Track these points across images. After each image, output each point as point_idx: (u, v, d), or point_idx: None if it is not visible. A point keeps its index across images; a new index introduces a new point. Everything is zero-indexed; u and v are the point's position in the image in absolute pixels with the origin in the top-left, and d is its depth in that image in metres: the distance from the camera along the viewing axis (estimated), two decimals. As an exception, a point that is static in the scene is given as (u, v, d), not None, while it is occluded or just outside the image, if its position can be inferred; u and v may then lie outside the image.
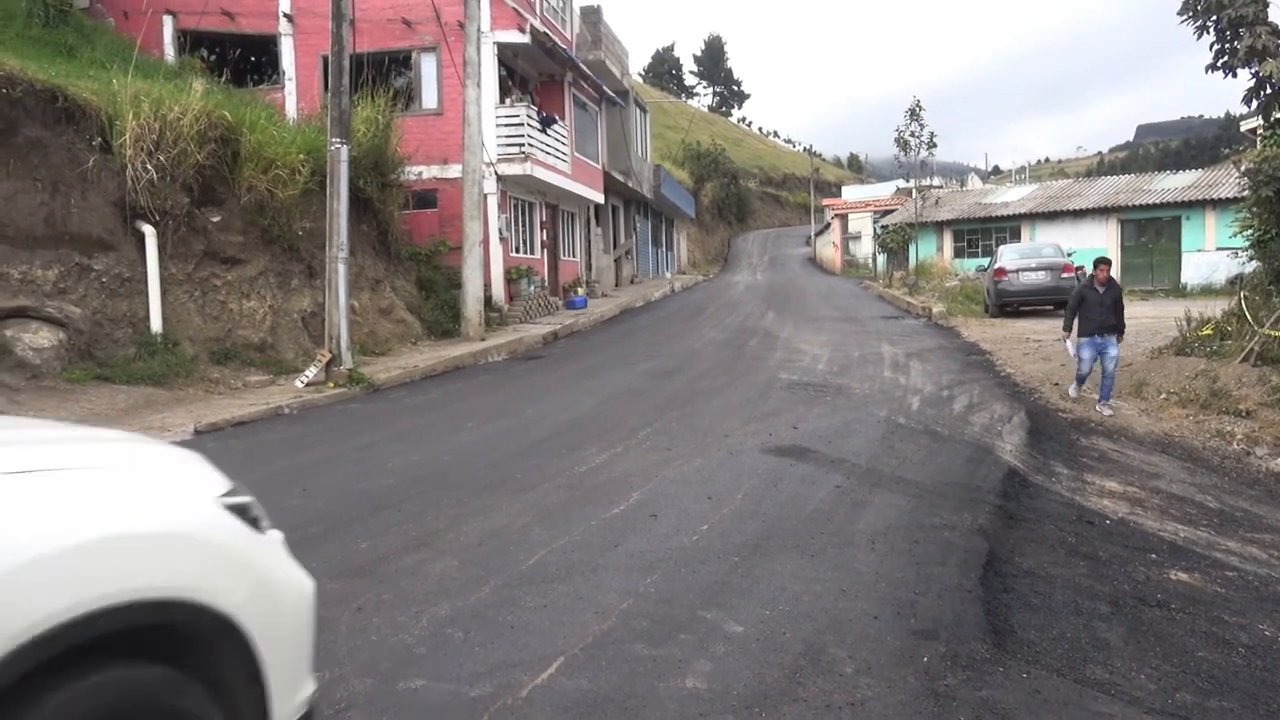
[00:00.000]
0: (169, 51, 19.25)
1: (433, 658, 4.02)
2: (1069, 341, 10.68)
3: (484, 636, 4.24)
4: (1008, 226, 35.01)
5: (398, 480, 7.12)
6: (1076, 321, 10.52)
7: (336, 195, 11.72)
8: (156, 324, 10.93)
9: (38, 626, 1.55)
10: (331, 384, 11.22)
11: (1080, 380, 10.81)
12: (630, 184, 30.97)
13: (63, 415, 8.75)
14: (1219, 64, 10.77)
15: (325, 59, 14.82)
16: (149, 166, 10.89)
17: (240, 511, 2.25)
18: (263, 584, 2.17)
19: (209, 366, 11.34)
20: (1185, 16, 10.82)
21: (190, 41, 19.46)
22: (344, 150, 11.84)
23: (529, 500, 6.56)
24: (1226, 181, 29.04)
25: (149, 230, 10.95)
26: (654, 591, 4.81)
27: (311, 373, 11.26)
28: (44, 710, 1.59)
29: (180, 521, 2.00)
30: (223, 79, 16.06)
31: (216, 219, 12.09)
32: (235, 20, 19.78)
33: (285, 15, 19.72)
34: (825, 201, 56.63)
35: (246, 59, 20.78)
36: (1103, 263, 10.81)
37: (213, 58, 19.87)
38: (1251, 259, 12.81)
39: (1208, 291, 25.36)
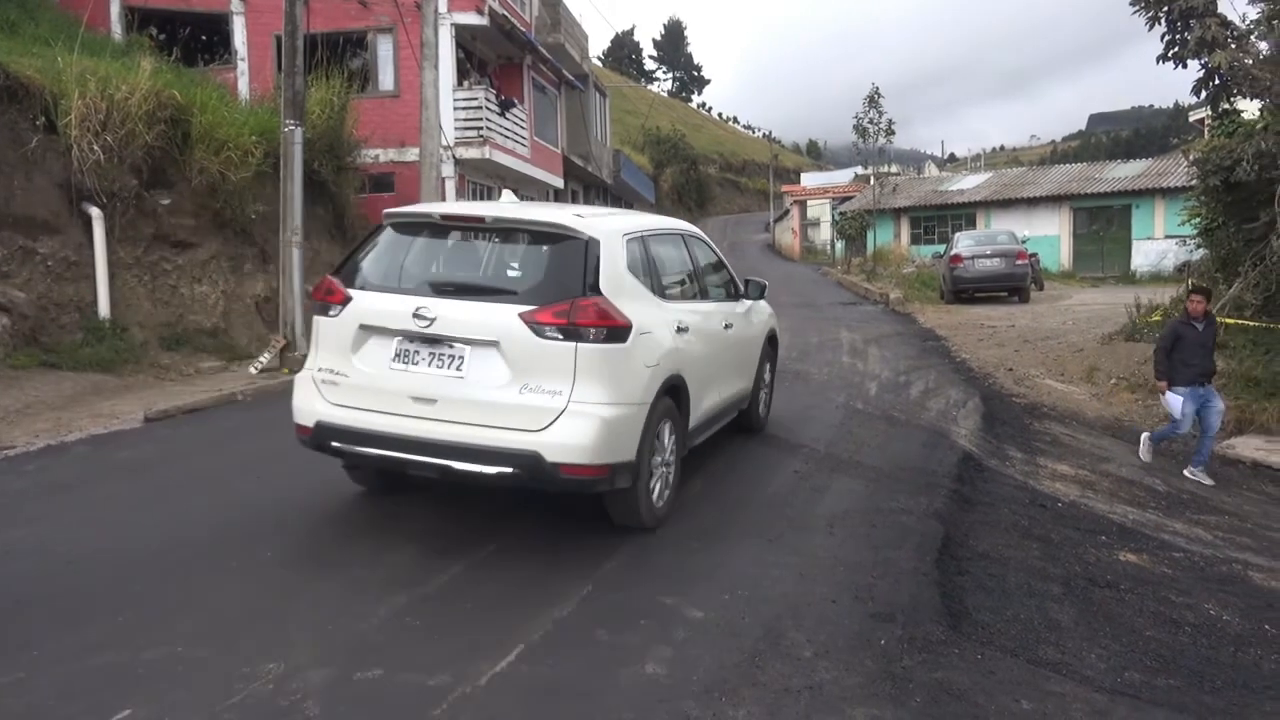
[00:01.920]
0: (116, 29, 18.74)
1: (390, 646, 3.98)
2: (1169, 394, 8.27)
3: (442, 624, 4.21)
4: (963, 214, 35.45)
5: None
6: (1171, 367, 8.28)
7: (290, 178, 11.52)
8: (105, 309, 10.68)
9: (768, 326, 8.22)
10: (286, 370, 11.05)
11: (1167, 436, 8.48)
12: (590, 169, 30.83)
13: (6, 403, 8.53)
14: (1169, 55, 10.95)
15: (278, 39, 14.51)
16: (95, 147, 10.61)
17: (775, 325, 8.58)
18: (775, 323, 8.54)
19: (159, 353, 11.11)
20: (1137, 7, 10.98)
21: (138, 19, 18.94)
22: (298, 132, 11.63)
23: (489, 492, 6.51)
24: (1175, 171, 29.62)
25: (96, 213, 10.67)
26: (613, 576, 4.81)
27: (265, 359, 11.08)
28: (765, 365, 8.20)
29: (771, 316, 8.40)
30: (172, 58, 15.62)
31: (166, 202, 11.82)
32: (185, -3, 19.34)
33: (237, -7, 19.32)
34: (784, 188, 56.86)
35: (197, 38, 20.30)
36: (1198, 293, 8.50)
37: (162, 36, 19.31)
38: (1199, 247, 13.11)
39: (1157, 278, 25.92)
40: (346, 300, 5.28)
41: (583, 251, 5.11)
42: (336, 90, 15.62)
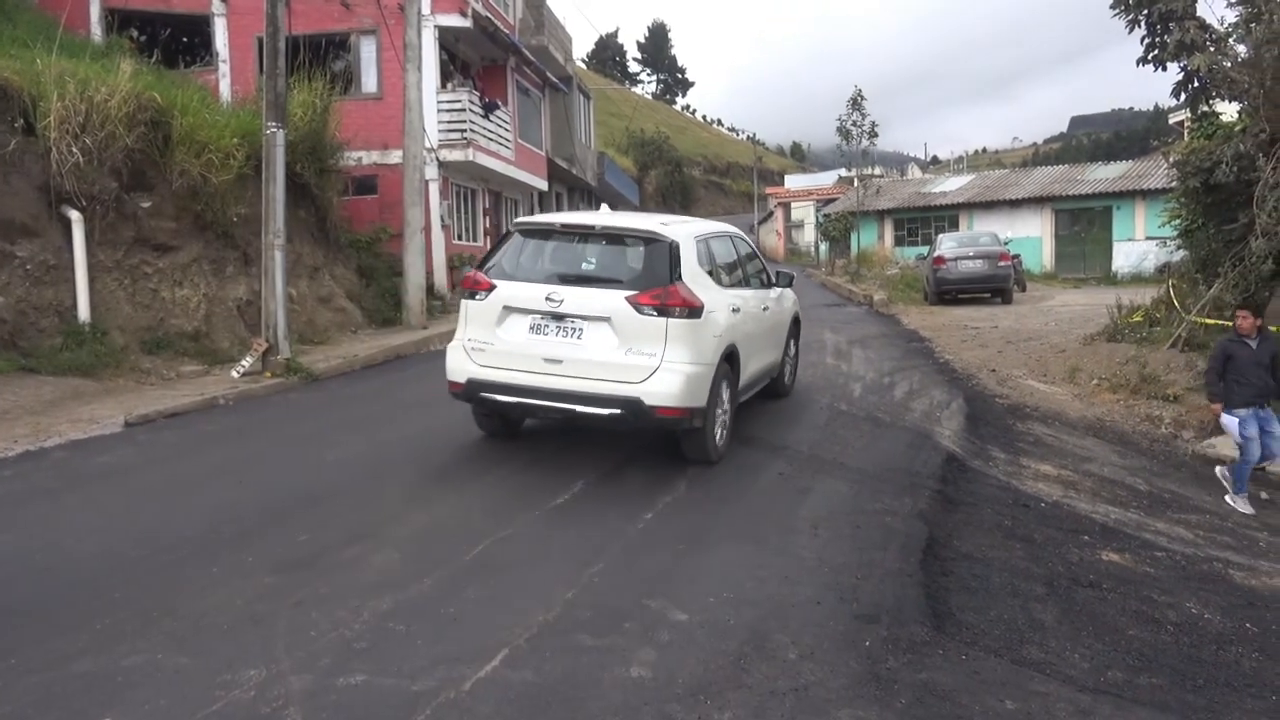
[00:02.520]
0: (96, 31, 18.60)
1: (373, 652, 3.95)
2: (1225, 416, 7.86)
3: (426, 629, 4.18)
4: (946, 215, 35.64)
5: (338, 471, 7.00)
6: (1226, 388, 7.85)
7: (273, 180, 11.44)
8: (84, 313, 10.58)
9: (793, 310, 10.02)
10: (269, 374, 10.98)
11: (1246, 467, 7.63)
12: (574, 171, 30.80)
13: (-15, 407, 8.44)
14: (1149, 57, 11.03)
15: (260, 40, 14.45)
16: (75, 150, 10.51)
17: (798, 310, 10.44)
18: (798, 310, 10.33)
19: (140, 356, 11.01)
20: (1117, 10, 11.05)
21: (118, 21, 18.82)
22: (280, 134, 11.56)
23: (472, 490, 6.50)
24: (1155, 173, 29.88)
25: (75, 216, 10.57)
26: (598, 581, 4.80)
27: (248, 362, 11.00)
28: (790, 342, 9.94)
29: (795, 302, 10.22)
30: (153, 60, 15.52)
31: (147, 204, 11.73)
32: (166, -1, 19.22)
33: (218, -5, 19.20)
34: (768, 190, 57.01)
35: (178, 39, 20.17)
36: (1242, 311, 8.17)
37: (142, 38, 19.21)
38: (1179, 248, 13.21)
39: (1137, 279, 26.11)
40: (492, 288, 7.03)
41: (668, 251, 6.89)
42: (319, 92, 15.54)
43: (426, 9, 18.13)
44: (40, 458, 7.27)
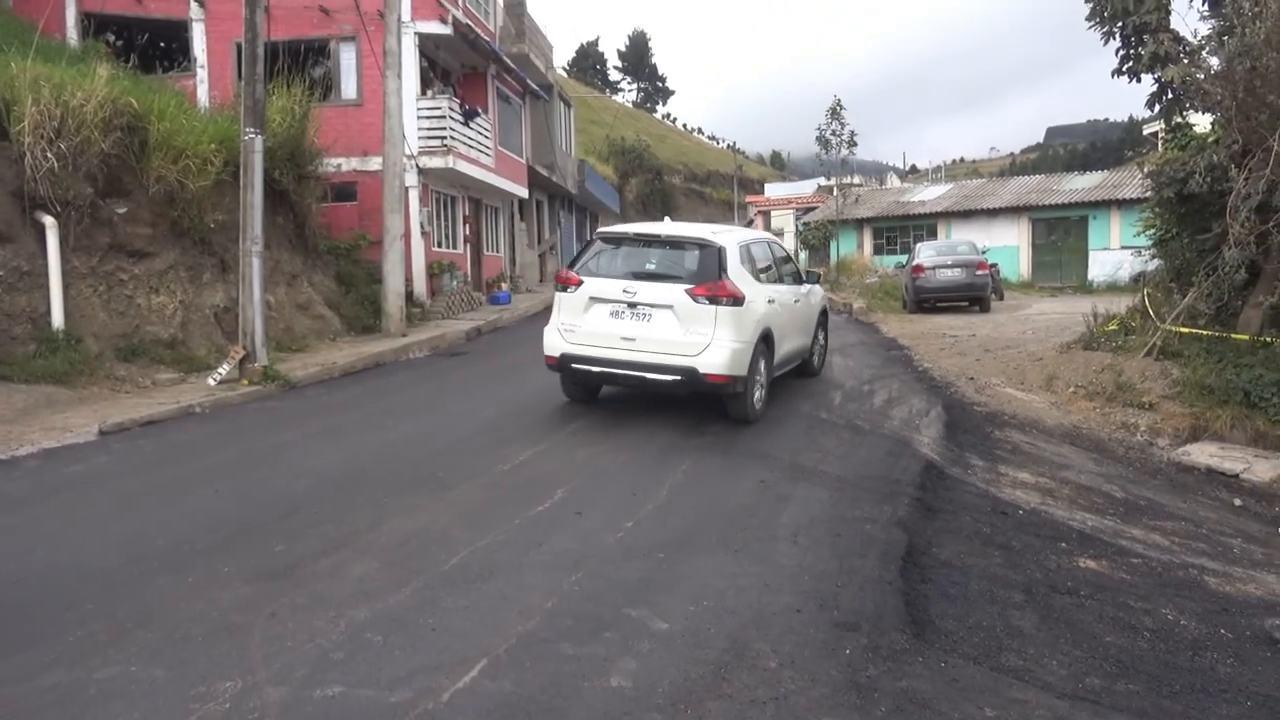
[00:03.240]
0: (72, 35, 18.41)
1: (351, 663, 3.92)
2: None
3: (404, 639, 4.15)
4: (925, 224, 35.87)
5: (315, 480, 6.95)
6: None
7: (250, 187, 11.37)
8: (58, 320, 10.45)
9: (821, 304, 11.80)
10: (246, 381, 10.89)
11: None
12: (555, 178, 30.80)
13: (-45, 416, 8.31)
14: (1124, 69, 11.17)
15: (239, 46, 14.37)
16: (49, 155, 10.39)
17: (828, 300, 12.64)
18: (826, 301, 12.25)
19: (115, 364, 10.89)
20: (1093, 23, 11.19)
21: (95, 25, 18.63)
22: (258, 140, 11.49)
23: (451, 499, 6.46)
24: (1130, 183, 30.20)
25: (50, 221, 10.45)
26: (579, 590, 4.78)
27: (224, 370, 10.91)
28: (819, 328, 11.76)
29: (824, 296, 12.08)
30: (130, 65, 15.42)
31: (123, 210, 11.61)
32: (143, 4, 19.05)
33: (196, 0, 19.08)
34: (749, 198, 57.23)
35: (155, 44, 20.00)
36: None
37: (119, 42, 19.04)
38: (1154, 257, 13.32)
39: (1113, 288, 26.36)
40: (580, 283, 8.99)
41: (717, 254, 8.76)
42: (298, 98, 15.47)
43: (407, 16, 18.10)
44: (12, 467, 7.17)
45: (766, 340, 9.19)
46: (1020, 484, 7.60)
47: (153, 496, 6.51)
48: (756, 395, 9.08)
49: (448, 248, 21.50)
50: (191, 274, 12.57)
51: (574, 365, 8.95)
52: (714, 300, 8.47)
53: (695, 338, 8.44)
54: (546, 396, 10.66)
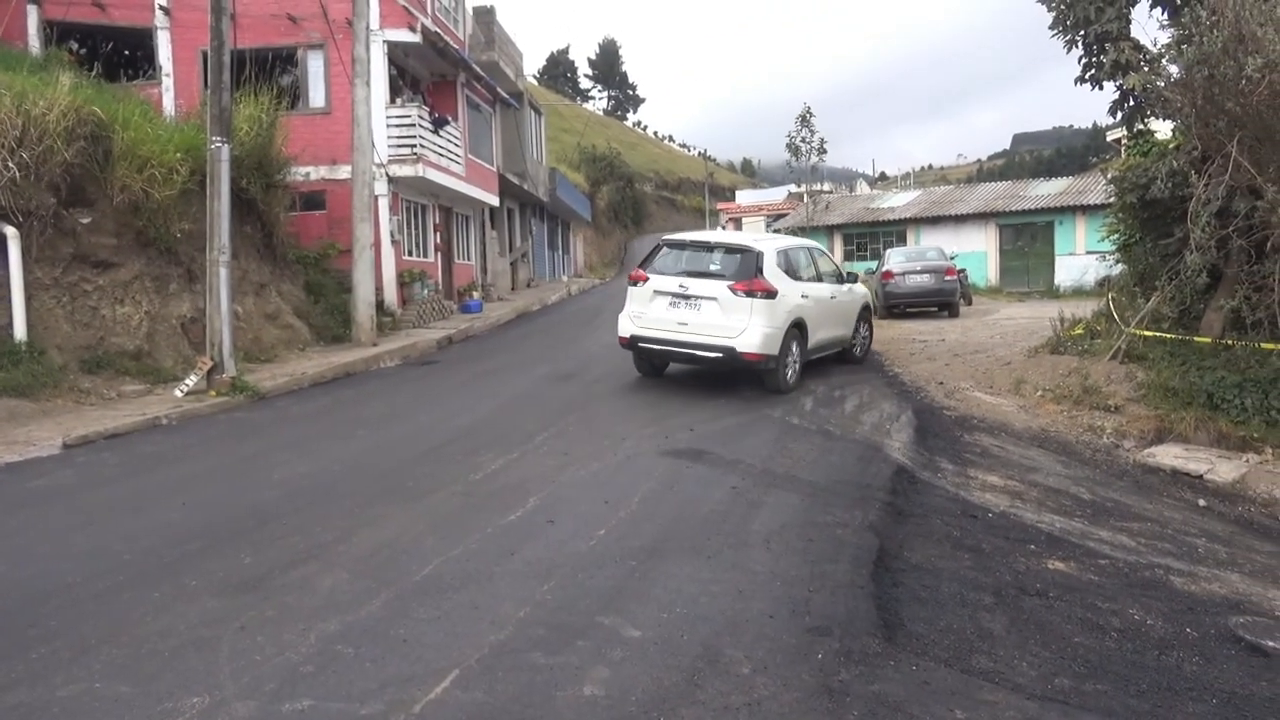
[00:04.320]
0: (34, 43, 18.13)
1: (321, 675, 3.88)
2: None
3: (375, 651, 4.11)
4: (894, 230, 36.14)
5: (284, 491, 6.88)
6: None
7: (217, 196, 11.25)
8: (20, 331, 10.29)
9: (863, 300, 13.62)
10: (214, 392, 10.77)
11: None
12: (526, 187, 30.75)
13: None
14: (1087, 77, 11.35)
15: (205, 54, 14.24)
16: (11, 165, 10.24)
17: (869, 300, 14.17)
18: (869, 298, 14.00)
19: (79, 376, 10.74)
20: (1056, 31, 11.36)
21: (58, 33, 18.39)
22: (225, 149, 11.38)
23: (422, 509, 6.42)
24: (1095, 189, 30.59)
25: (11, 232, 10.29)
26: (551, 599, 4.76)
27: (192, 381, 10.79)
28: (861, 321, 13.58)
29: (866, 294, 13.78)
30: (94, 73, 15.23)
31: (87, 220, 11.46)
32: (106, 11, 18.81)
33: (161, 7, 18.85)
34: (720, 205, 57.46)
35: (120, 53, 19.78)
36: None
37: (83, 51, 18.84)
38: (1118, 262, 13.52)
39: (1079, 293, 26.69)
40: (647, 279, 11.19)
41: (755, 257, 10.90)
42: (265, 107, 15.35)
43: (375, 24, 18.01)
44: (-27, 481, 7.04)
45: (799, 327, 11.25)
46: (990, 487, 7.67)
47: (118, 510, 6.42)
48: (789, 373, 11.19)
49: (418, 256, 21.39)
50: (157, 284, 12.42)
51: (640, 344, 11.28)
52: (750, 294, 10.53)
53: (735, 323, 10.53)
54: (517, 405, 10.63)
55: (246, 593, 4.82)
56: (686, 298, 10.80)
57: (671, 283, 10.94)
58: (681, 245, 11.70)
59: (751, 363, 10.62)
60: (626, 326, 11.35)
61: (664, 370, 12.27)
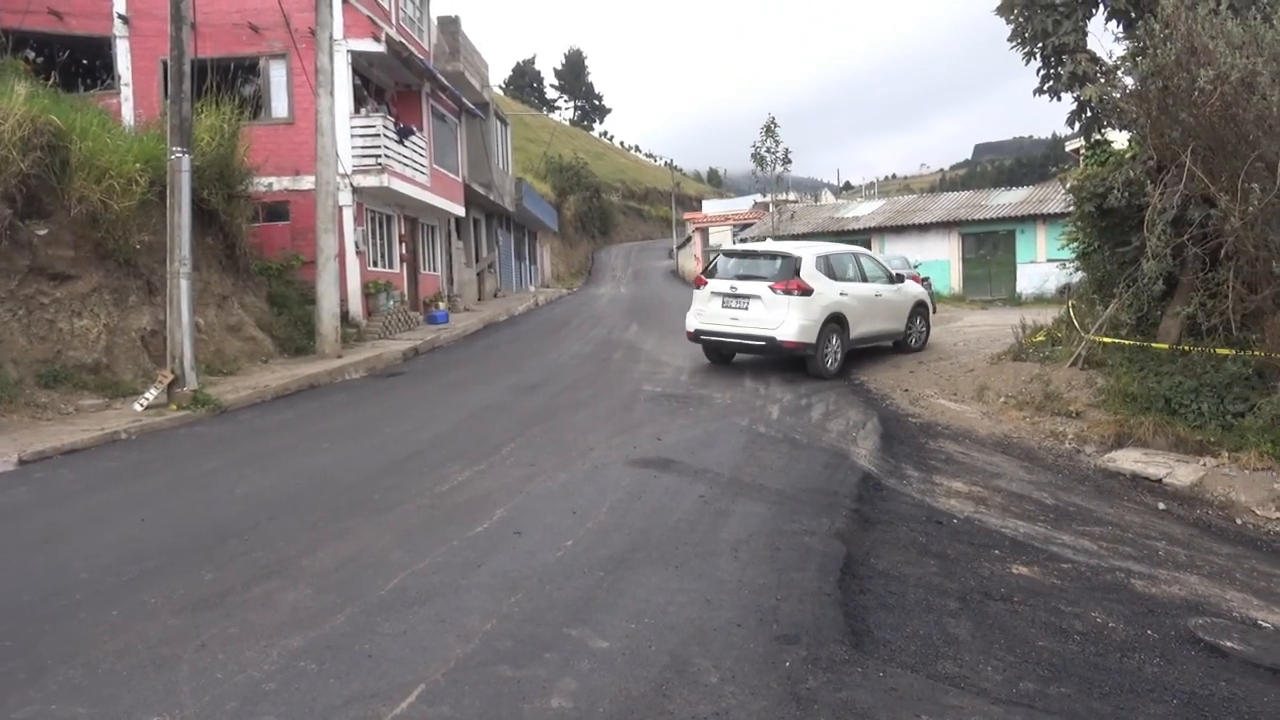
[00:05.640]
0: (-13, 52, 17.84)
1: (284, 693, 3.82)
2: None
3: (339, 667, 4.06)
4: (859, 240, 36.39)
5: (247, 506, 6.78)
6: None
7: (178, 207, 11.11)
8: (-26, 345, 10.09)
9: (917, 297, 15.55)
10: (174, 406, 10.62)
11: None
12: (492, 197, 30.67)
13: None
14: (1045, 88, 11.52)
15: (165, 63, 14.07)
16: (-37, 175, 10.06)
17: (926, 296, 16.24)
18: (928, 298, 16.13)
19: (35, 390, 10.53)
20: (1015, 43, 11.53)
21: (13, 42, 18.01)
22: (186, 159, 11.24)
23: (387, 522, 6.36)
24: (1055, 198, 31.05)
25: (-36, 244, 10.11)
26: (518, 611, 4.73)
27: (152, 394, 10.62)
28: (915, 316, 15.50)
29: (921, 293, 15.87)
30: (50, 83, 14.99)
31: (43, 232, 11.27)
32: (64, 20, 18.54)
33: (120, 16, 18.61)
34: (686, 215, 57.52)
35: (78, 61, 19.49)
36: None
37: (39, 59, 18.54)
38: (1078, 270, 13.71)
39: (1040, 300, 27.06)
40: (706, 283, 13.53)
41: (795, 261, 12.89)
42: (227, 117, 15.19)
43: (339, 34, 17.91)
44: (-76, 499, 6.87)
45: (838, 321, 13.16)
46: (954, 493, 7.74)
47: (75, 527, 6.29)
48: (830, 361, 13.11)
49: (384, 267, 21.25)
50: (116, 297, 12.23)
51: (702, 337, 13.74)
52: (788, 292, 12.57)
53: (775, 317, 12.62)
54: (483, 417, 10.58)
55: (207, 610, 4.74)
56: (737, 297, 13.01)
57: (725, 285, 13.23)
58: (733, 254, 14.20)
59: (791, 350, 12.78)
60: (692, 322, 13.77)
61: (730, 359, 14.63)
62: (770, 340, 12.66)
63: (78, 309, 11.59)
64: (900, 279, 15.30)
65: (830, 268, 13.46)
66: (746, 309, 12.88)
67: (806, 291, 12.57)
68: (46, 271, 11.32)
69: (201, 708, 3.68)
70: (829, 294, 12.94)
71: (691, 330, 13.73)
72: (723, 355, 14.43)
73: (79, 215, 11.57)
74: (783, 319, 12.51)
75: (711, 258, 13.74)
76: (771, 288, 12.61)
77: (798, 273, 12.66)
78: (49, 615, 4.67)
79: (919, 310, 15.58)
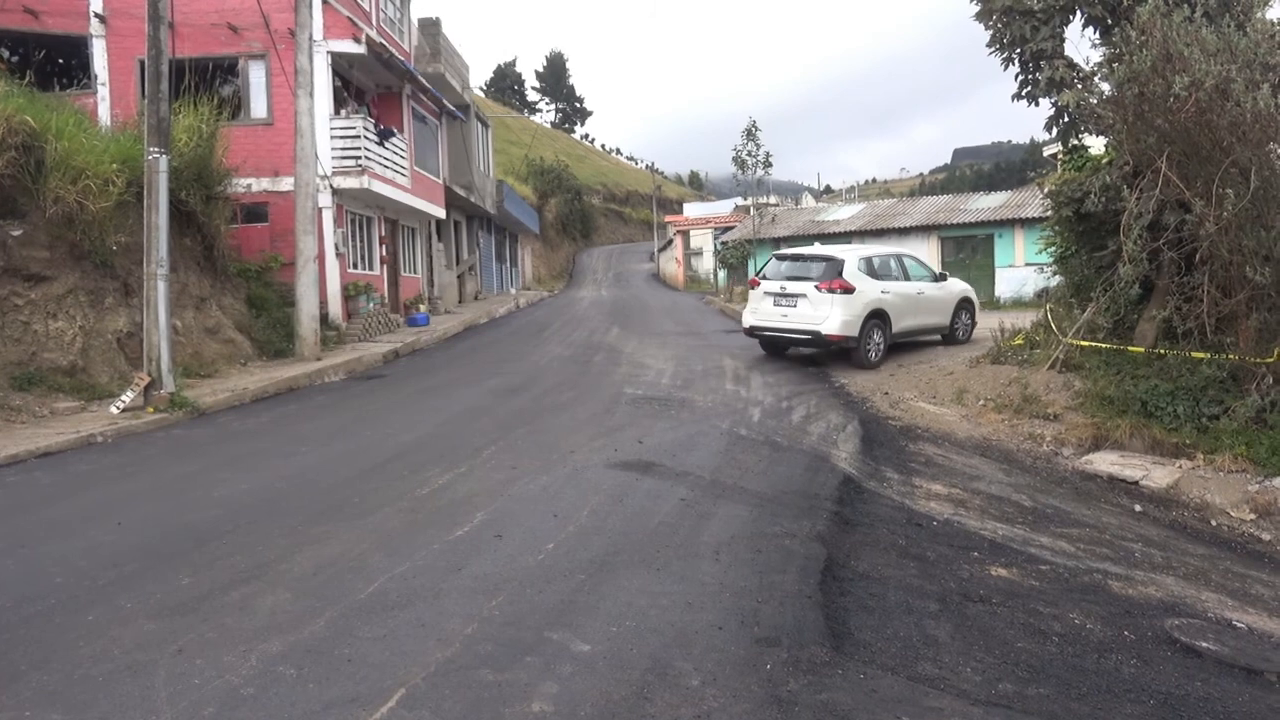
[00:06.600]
0: (-39, 51, 17.66)
1: (262, 698, 3.79)
2: None
3: (318, 672, 4.03)
4: (839, 242, 36.53)
5: (224, 510, 6.73)
6: None
7: (155, 208, 11.01)
8: (-54, 347, 9.96)
9: (961, 294, 16.52)
10: (151, 409, 10.52)
11: None
12: (473, 199, 30.59)
13: None
14: (1023, 93, 11.62)
15: (142, 63, 13.94)
16: (-64, 175, 9.94)
17: (971, 293, 17.05)
18: (972, 294, 16.95)
19: (9, 393, 10.40)
20: (993, 49, 11.62)
21: (-14, 41, 17.92)
22: (163, 160, 11.15)
23: (368, 526, 6.32)
24: (1033, 202, 31.28)
25: (-63, 245, 9.98)
26: (499, 614, 4.72)
27: (128, 397, 10.51)
28: (960, 311, 16.45)
29: (966, 290, 16.79)
30: (25, 82, 14.83)
31: (17, 233, 11.14)
32: (40, 19, 18.34)
33: (97, 15, 18.44)
34: (668, 218, 57.65)
35: (54, 61, 19.29)
36: None
37: (14, 59, 18.35)
38: (1055, 274, 13.82)
39: (1019, 304, 27.28)
40: (759, 284, 14.95)
41: (839, 263, 14.21)
42: (205, 117, 15.09)
43: (319, 35, 17.82)
44: (-105, 504, 6.77)
45: (879, 316, 14.35)
46: (934, 495, 7.78)
47: (50, 531, 6.22)
48: (873, 353, 14.36)
49: (364, 269, 21.14)
50: (92, 298, 12.10)
51: (756, 332, 15.13)
52: (831, 290, 13.82)
53: (820, 313, 13.93)
54: (464, 419, 10.54)
55: (184, 614, 4.70)
56: (786, 295, 14.32)
57: (775, 285, 14.56)
58: (784, 257, 15.46)
59: (834, 342, 14.18)
60: (747, 319, 15.27)
61: (784, 352, 15.83)
62: (816, 334, 14.03)
63: (53, 311, 11.47)
64: (944, 277, 16.34)
65: (873, 268, 14.67)
66: (795, 306, 14.19)
67: (849, 290, 13.78)
68: (21, 273, 11.19)
69: (178, 713, 3.65)
70: (870, 292, 14.12)
71: (746, 326, 15.21)
72: (777, 348, 15.69)
73: (54, 216, 11.45)
74: (827, 315, 13.80)
75: (766, 261, 15.32)
76: (817, 287, 13.88)
77: (841, 273, 13.90)
78: (23, 620, 4.61)
79: (964, 305, 16.47)
